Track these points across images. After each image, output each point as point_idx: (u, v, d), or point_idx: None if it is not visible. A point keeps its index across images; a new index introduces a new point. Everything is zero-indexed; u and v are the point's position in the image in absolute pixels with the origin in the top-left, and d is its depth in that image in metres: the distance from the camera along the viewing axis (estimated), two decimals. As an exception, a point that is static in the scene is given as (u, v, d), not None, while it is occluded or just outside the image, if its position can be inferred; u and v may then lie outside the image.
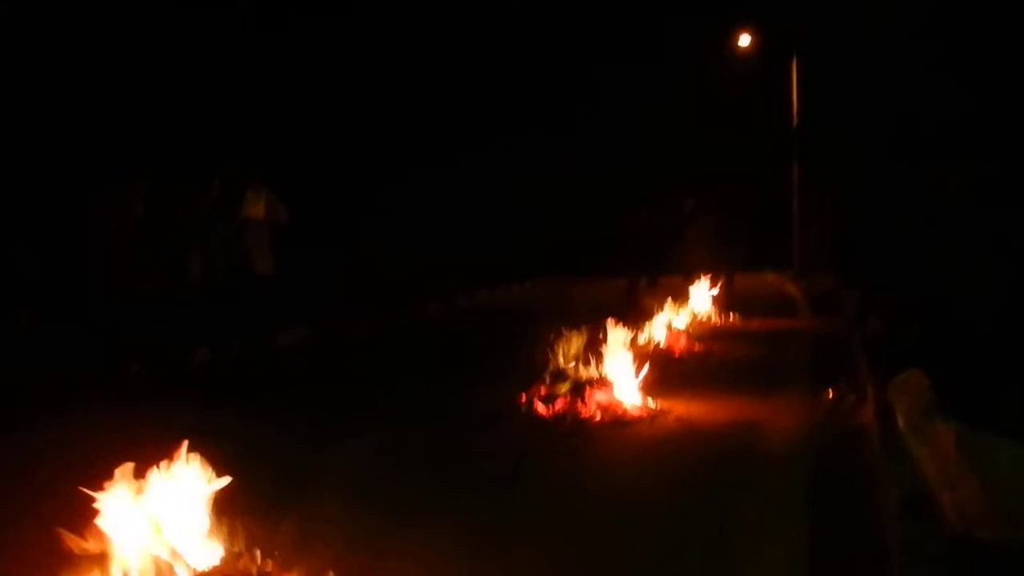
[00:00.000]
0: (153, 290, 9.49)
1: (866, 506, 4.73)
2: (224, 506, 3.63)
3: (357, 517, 4.53)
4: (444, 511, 5.04)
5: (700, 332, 11.84)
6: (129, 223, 9.54)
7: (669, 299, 12.33)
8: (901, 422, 4.42)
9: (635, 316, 11.15)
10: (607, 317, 8.22)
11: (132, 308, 9.30)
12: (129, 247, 9.47)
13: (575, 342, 7.94)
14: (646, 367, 7.88)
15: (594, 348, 7.99)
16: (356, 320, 14.47)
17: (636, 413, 7.31)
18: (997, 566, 3.42)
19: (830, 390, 7.83)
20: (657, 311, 11.41)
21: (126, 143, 12.09)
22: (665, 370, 9.21)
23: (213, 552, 3.47)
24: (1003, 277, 9.29)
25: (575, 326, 8.09)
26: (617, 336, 8.02)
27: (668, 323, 11.29)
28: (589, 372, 7.72)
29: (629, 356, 7.91)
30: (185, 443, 3.53)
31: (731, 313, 14.43)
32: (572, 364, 7.79)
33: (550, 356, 7.92)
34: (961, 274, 10.08)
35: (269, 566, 3.45)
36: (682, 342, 10.96)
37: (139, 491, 3.32)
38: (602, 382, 7.60)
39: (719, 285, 15.13)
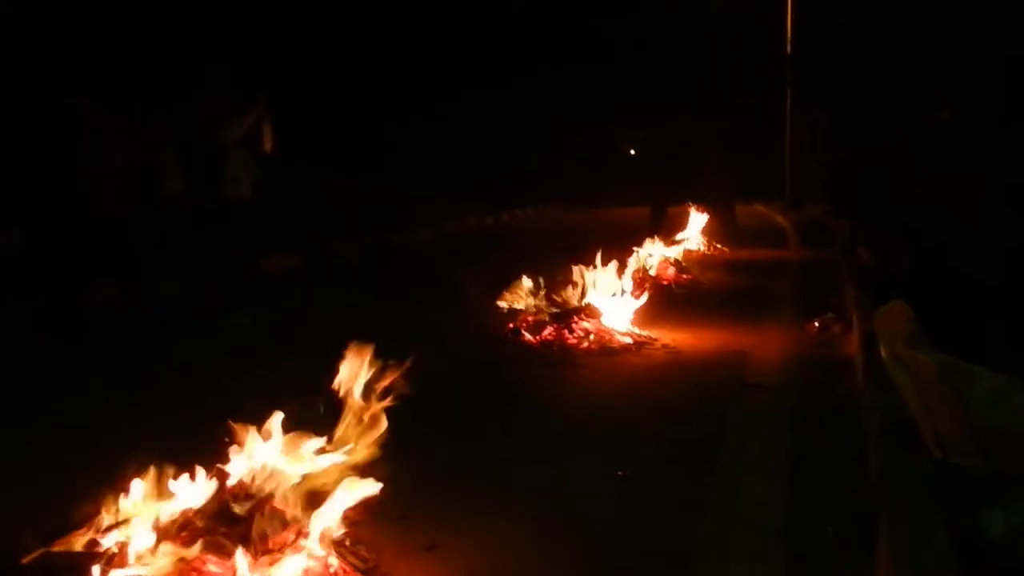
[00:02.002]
0: (134, 207, 9.35)
1: (849, 433, 4.79)
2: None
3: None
4: (438, 433, 5.13)
5: (690, 261, 11.86)
6: (119, 139, 9.39)
7: (663, 228, 12.34)
8: (884, 351, 4.45)
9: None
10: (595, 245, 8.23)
11: (110, 226, 9.18)
12: (113, 162, 9.33)
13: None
14: (641, 297, 7.92)
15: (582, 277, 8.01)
16: (345, 245, 14.49)
17: (623, 342, 7.35)
18: (970, 491, 3.48)
19: (816, 320, 7.88)
20: (651, 240, 11.40)
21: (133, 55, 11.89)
22: (654, 299, 9.25)
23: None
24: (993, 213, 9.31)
25: (559, 255, 8.07)
26: (606, 265, 8.03)
27: (659, 252, 11.29)
28: (576, 300, 7.75)
29: (618, 285, 7.94)
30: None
31: (726, 243, 14.46)
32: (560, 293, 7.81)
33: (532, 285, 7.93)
34: (953, 208, 10.08)
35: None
36: (671, 271, 10.98)
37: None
38: (590, 311, 7.64)
39: (717, 215, 15.14)
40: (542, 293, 7.86)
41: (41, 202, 9.38)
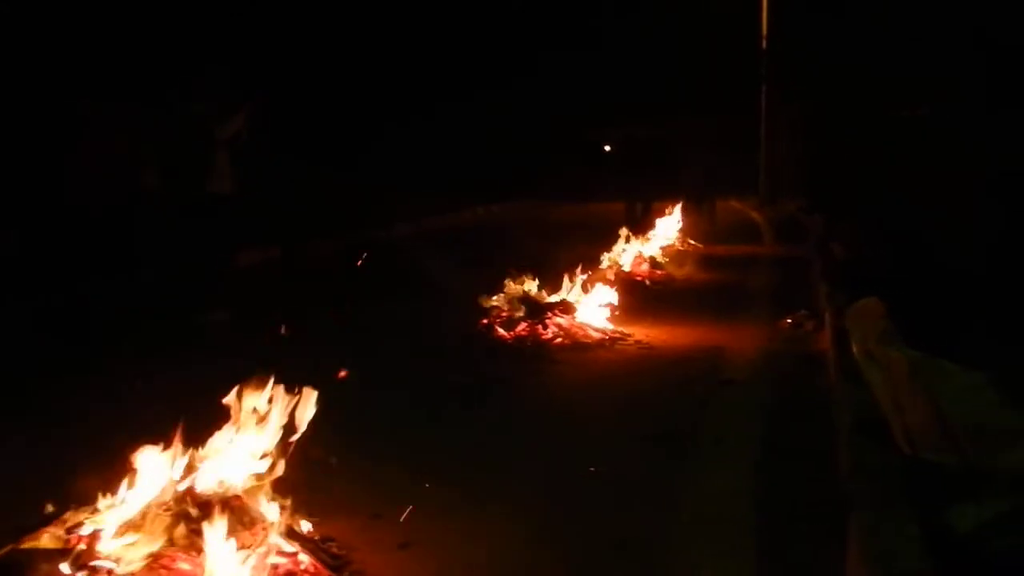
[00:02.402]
0: (131, 205, 9.29)
1: (820, 429, 4.81)
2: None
3: (338, 437, 4.45)
4: (414, 430, 5.13)
5: (665, 257, 11.88)
6: (118, 139, 9.34)
7: (639, 224, 12.35)
8: (856, 348, 4.47)
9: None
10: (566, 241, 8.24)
11: (108, 224, 9.12)
12: (112, 160, 9.27)
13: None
14: (614, 293, 7.94)
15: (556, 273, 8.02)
16: (327, 241, 14.42)
17: (597, 337, 7.35)
18: (941, 487, 3.49)
19: (789, 316, 7.91)
20: (628, 236, 11.39)
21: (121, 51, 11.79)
22: (628, 295, 9.25)
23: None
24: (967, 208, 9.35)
25: (534, 249, 8.05)
26: (578, 263, 8.06)
27: (633, 248, 11.30)
28: (549, 296, 7.76)
29: (590, 281, 7.97)
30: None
31: (700, 239, 14.48)
32: (531, 288, 7.81)
33: (507, 281, 7.91)
34: (939, 201, 10.11)
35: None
36: (646, 267, 10.99)
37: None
38: (564, 306, 7.63)
39: (697, 211, 15.17)
40: (516, 288, 7.84)
41: (39, 201, 9.33)
